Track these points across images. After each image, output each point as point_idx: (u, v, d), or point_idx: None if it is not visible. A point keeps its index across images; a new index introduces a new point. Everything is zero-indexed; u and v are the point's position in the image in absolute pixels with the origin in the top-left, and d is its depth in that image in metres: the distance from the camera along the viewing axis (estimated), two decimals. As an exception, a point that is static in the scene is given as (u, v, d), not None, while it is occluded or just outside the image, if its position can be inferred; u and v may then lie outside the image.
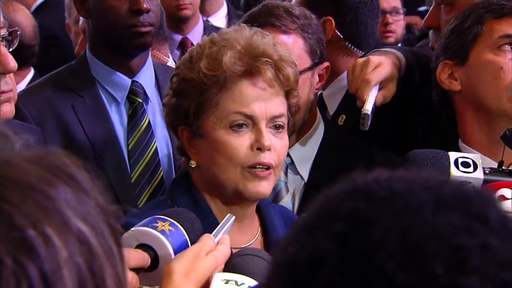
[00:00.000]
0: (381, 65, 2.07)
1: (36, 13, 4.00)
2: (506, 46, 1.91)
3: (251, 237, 1.78)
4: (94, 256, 0.72)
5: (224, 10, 4.28)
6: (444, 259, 0.68)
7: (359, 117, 2.13)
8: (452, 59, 1.96)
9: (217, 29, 3.93)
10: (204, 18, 3.98)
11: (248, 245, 1.75)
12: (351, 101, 2.44)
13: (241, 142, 1.69)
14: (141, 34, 2.22)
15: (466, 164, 1.66)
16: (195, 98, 1.70)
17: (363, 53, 2.51)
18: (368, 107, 1.98)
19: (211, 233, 1.44)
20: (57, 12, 3.85)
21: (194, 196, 1.75)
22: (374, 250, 0.70)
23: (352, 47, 2.50)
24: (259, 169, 1.69)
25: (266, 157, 1.70)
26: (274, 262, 0.79)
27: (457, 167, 1.65)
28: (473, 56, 1.94)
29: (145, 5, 2.21)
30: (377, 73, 2.05)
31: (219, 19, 4.12)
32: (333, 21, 2.49)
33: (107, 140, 2.26)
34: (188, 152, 1.76)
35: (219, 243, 1.43)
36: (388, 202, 0.73)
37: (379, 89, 2.06)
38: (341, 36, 2.47)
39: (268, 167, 1.70)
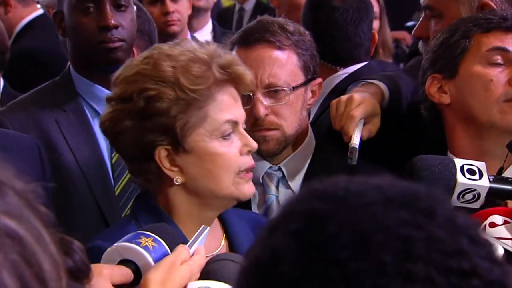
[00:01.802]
0: (364, 102, 2.11)
1: (21, 36, 4.00)
2: (495, 58, 1.92)
3: (219, 242, 1.79)
4: (27, 247, 0.73)
5: (209, 26, 4.33)
6: (391, 249, 0.74)
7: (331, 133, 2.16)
8: (440, 73, 1.98)
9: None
10: (190, 34, 4.01)
11: (219, 250, 1.76)
12: (320, 112, 2.47)
13: (233, 150, 1.71)
14: (111, 50, 2.24)
15: (472, 171, 1.66)
16: (179, 115, 1.67)
17: (338, 67, 2.54)
18: (356, 142, 2.02)
19: None
20: (43, 33, 3.86)
21: (160, 215, 1.74)
22: (328, 242, 0.76)
23: (324, 62, 2.53)
24: (245, 172, 1.73)
25: (251, 160, 1.75)
26: (241, 267, 0.84)
27: (463, 174, 1.65)
28: (462, 70, 1.95)
29: (112, 21, 2.23)
30: (361, 109, 2.09)
31: (204, 35, 4.16)
32: None
33: (91, 154, 2.27)
34: (167, 171, 1.70)
35: (194, 253, 1.45)
36: (342, 200, 0.79)
37: (364, 124, 2.10)
38: None
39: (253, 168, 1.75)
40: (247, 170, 1.73)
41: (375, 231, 0.75)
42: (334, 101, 2.16)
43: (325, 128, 2.32)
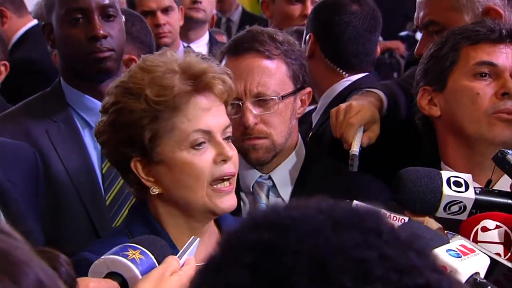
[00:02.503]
0: (363, 109, 2.13)
1: (17, 47, 4.01)
2: (482, 71, 1.93)
3: None
4: None
5: (206, 38, 4.32)
6: (349, 272, 0.74)
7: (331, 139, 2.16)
8: (431, 85, 1.99)
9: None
10: (186, 44, 4.01)
11: None
12: (322, 121, 2.48)
13: (204, 159, 1.71)
14: (100, 60, 2.25)
15: (458, 184, 1.67)
16: (147, 127, 1.70)
17: (344, 72, 2.55)
18: (355, 149, 2.04)
19: None
20: (39, 43, 3.87)
21: (152, 225, 1.75)
22: (286, 273, 0.74)
23: (332, 64, 2.54)
24: (221, 185, 1.71)
25: (229, 167, 1.73)
26: None
27: (450, 186, 1.66)
28: (451, 83, 1.96)
29: (101, 31, 2.24)
30: (360, 116, 2.11)
31: (200, 46, 4.15)
32: (312, 37, 2.55)
33: (81, 164, 2.27)
34: (145, 182, 1.74)
35: (184, 264, 1.45)
36: (290, 228, 0.78)
37: (364, 131, 2.11)
38: (321, 53, 2.52)
39: (230, 177, 1.73)
40: (223, 179, 1.72)
41: (331, 256, 0.75)
42: (333, 110, 2.18)
43: (328, 136, 2.33)
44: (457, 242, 1.46)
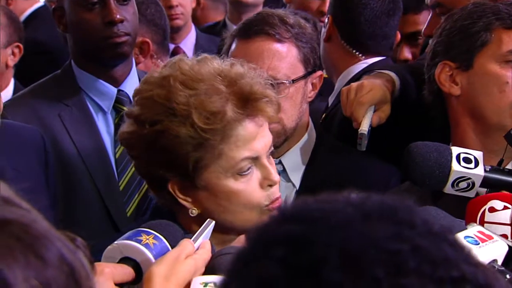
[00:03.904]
0: (374, 89, 2.10)
1: (25, 27, 4.01)
2: None
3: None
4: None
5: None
6: (382, 264, 0.73)
7: (343, 123, 2.14)
8: (454, 61, 1.91)
9: (210, 39, 3.94)
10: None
11: None
12: (335, 103, 2.47)
13: (252, 186, 1.62)
14: (117, 45, 2.24)
15: (467, 160, 1.65)
16: (192, 153, 1.57)
17: (360, 54, 2.54)
18: (365, 128, 2.01)
19: None
20: (45, 25, 3.87)
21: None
22: (318, 266, 0.74)
23: (349, 46, 2.53)
24: (273, 204, 1.64)
25: (276, 191, 1.65)
26: None
27: (459, 162, 1.64)
28: (478, 64, 1.89)
29: (118, 16, 2.22)
30: (371, 96, 2.09)
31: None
32: (331, 19, 2.54)
33: (95, 149, 2.27)
34: (182, 202, 1.63)
35: (199, 247, 1.44)
36: (320, 221, 0.77)
37: (374, 111, 2.09)
38: (339, 34, 2.52)
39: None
40: (272, 203, 1.63)
41: (363, 248, 0.74)
42: (344, 88, 2.16)
43: (338, 117, 2.33)
44: (475, 228, 1.44)
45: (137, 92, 1.65)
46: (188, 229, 1.63)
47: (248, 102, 1.59)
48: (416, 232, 0.76)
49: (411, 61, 2.90)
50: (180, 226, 1.60)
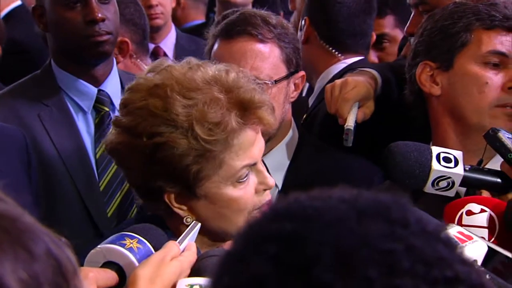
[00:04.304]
0: (359, 85, 2.12)
1: None
2: (493, 60, 1.88)
3: None
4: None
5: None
6: (376, 264, 0.72)
7: (325, 123, 2.14)
8: (435, 61, 1.92)
9: (190, 38, 3.93)
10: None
11: None
12: (316, 104, 2.48)
13: (249, 192, 1.61)
14: (99, 44, 2.22)
15: (447, 159, 1.66)
16: (193, 165, 1.54)
17: (340, 54, 2.55)
18: (351, 123, 2.02)
19: None
20: (23, 24, 3.84)
21: None
22: (310, 264, 0.73)
23: (328, 46, 2.53)
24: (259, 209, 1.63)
25: (268, 195, 1.65)
26: None
27: (439, 161, 1.65)
28: (458, 64, 1.90)
29: (99, 15, 2.21)
30: (355, 92, 2.10)
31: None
32: (308, 21, 2.54)
33: (75, 149, 2.26)
34: (177, 211, 1.60)
35: (185, 249, 1.43)
36: (312, 218, 0.76)
37: (359, 108, 2.10)
38: (317, 35, 2.52)
39: None
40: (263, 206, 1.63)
41: (356, 247, 0.73)
42: (328, 86, 2.17)
43: (321, 116, 2.33)
44: (454, 229, 1.45)
45: (127, 101, 1.59)
46: (178, 233, 1.58)
47: (247, 110, 1.57)
48: (409, 231, 0.75)
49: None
50: (169, 230, 1.60)
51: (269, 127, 1.63)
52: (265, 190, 1.63)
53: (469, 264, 0.77)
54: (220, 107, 1.54)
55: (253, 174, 1.62)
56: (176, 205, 1.60)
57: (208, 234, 1.62)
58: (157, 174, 1.55)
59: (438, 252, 0.75)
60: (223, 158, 1.56)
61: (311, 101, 2.59)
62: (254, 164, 1.61)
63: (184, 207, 1.60)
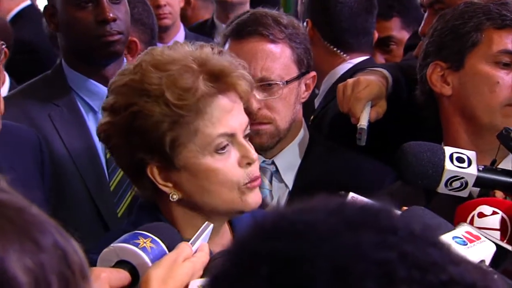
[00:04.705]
0: (371, 84, 2.11)
1: (12, 25, 4.00)
2: (505, 59, 1.88)
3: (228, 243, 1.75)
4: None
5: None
6: (372, 276, 0.71)
7: (333, 121, 2.14)
8: (445, 62, 1.92)
9: (199, 38, 3.93)
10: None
11: None
12: (323, 105, 2.48)
13: (230, 164, 1.61)
14: (110, 43, 2.23)
15: (461, 159, 1.65)
16: (168, 132, 1.58)
17: (344, 54, 2.55)
18: (364, 122, 2.02)
19: None
20: (32, 24, 3.85)
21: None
22: (306, 283, 0.71)
23: (332, 47, 2.53)
24: (250, 184, 1.63)
25: (255, 169, 1.64)
26: None
27: (452, 161, 1.64)
28: (469, 65, 1.89)
29: (111, 15, 2.21)
30: (368, 91, 2.10)
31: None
32: (310, 23, 2.54)
33: (85, 149, 2.26)
34: (162, 188, 1.63)
35: (197, 250, 1.43)
36: (303, 235, 0.75)
37: (371, 107, 2.10)
38: (320, 36, 2.51)
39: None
40: (251, 181, 1.63)
41: (351, 260, 0.72)
42: (340, 85, 2.16)
43: (329, 116, 2.32)
44: (463, 228, 1.44)
45: (111, 84, 1.67)
46: (170, 217, 1.64)
47: (219, 78, 1.60)
48: (399, 237, 0.75)
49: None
50: (163, 217, 1.63)
51: (244, 95, 1.64)
52: (249, 164, 1.62)
53: (459, 263, 0.76)
54: (191, 74, 1.57)
55: (235, 148, 1.62)
56: (160, 181, 1.62)
57: (195, 210, 1.64)
58: (136, 145, 1.60)
59: (430, 256, 0.74)
60: (197, 125, 1.58)
61: (317, 102, 2.58)
62: (233, 135, 1.61)
63: (169, 184, 1.62)
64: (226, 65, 1.61)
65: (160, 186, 1.63)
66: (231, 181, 1.61)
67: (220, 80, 1.60)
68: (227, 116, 1.61)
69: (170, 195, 1.63)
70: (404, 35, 2.97)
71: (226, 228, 1.73)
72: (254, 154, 1.63)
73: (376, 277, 0.71)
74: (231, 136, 1.62)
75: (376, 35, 2.75)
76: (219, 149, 1.60)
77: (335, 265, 0.72)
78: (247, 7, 4.18)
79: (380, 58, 2.97)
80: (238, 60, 1.69)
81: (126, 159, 1.65)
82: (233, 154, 1.62)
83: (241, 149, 1.63)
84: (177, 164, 1.60)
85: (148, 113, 1.57)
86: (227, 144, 1.61)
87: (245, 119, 1.66)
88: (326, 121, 2.40)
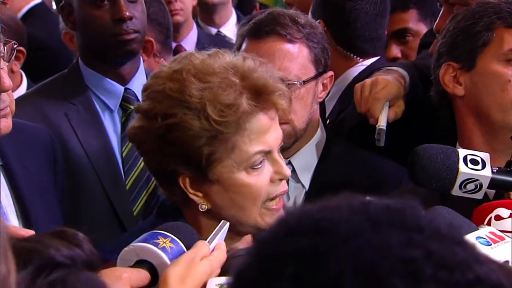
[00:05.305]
0: (389, 84, 2.11)
1: (23, 23, 4.00)
2: None
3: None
4: None
5: (234, 18, 4.21)
6: (399, 274, 0.71)
7: (352, 124, 2.13)
8: (457, 62, 1.92)
9: (212, 37, 3.94)
10: (215, 30, 3.92)
11: None
12: (341, 108, 2.47)
13: (263, 179, 1.62)
14: (127, 42, 2.23)
15: (474, 162, 1.65)
16: (205, 147, 1.57)
17: (358, 57, 2.54)
18: (383, 123, 2.02)
19: None
20: (43, 22, 3.86)
21: None
22: (333, 281, 0.71)
23: (344, 50, 2.52)
24: (273, 203, 1.64)
25: (284, 186, 1.65)
26: None
27: (466, 164, 1.64)
28: (480, 64, 1.90)
29: (127, 13, 2.22)
30: (386, 91, 2.09)
31: (230, 28, 4.05)
32: (322, 24, 2.53)
33: (101, 148, 2.27)
34: (192, 197, 1.62)
35: (214, 249, 1.44)
36: (329, 233, 0.74)
37: (389, 107, 2.10)
38: (332, 39, 2.50)
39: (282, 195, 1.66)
40: (277, 197, 1.64)
41: (378, 259, 0.71)
42: (358, 85, 2.16)
43: (348, 122, 2.31)
44: (486, 229, 1.45)
45: (147, 87, 1.65)
46: (195, 225, 1.63)
47: (261, 95, 1.59)
48: (425, 235, 0.74)
49: (401, 59, 2.91)
50: (187, 222, 1.61)
51: (283, 114, 1.64)
52: (281, 180, 1.63)
53: (485, 262, 0.76)
54: (234, 90, 1.56)
55: (269, 163, 1.62)
56: (191, 190, 1.62)
57: (214, 221, 1.60)
58: (171, 155, 1.59)
59: (457, 255, 0.74)
60: (236, 141, 1.58)
61: (327, 103, 2.57)
62: (269, 152, 1.61)
63: (200, 194, 1.62)
64: (269, 82, 1.60)
65: (191, 195, 1.63)
66: (261, 196, 1.62)
67: (262, 98, 1.59)
68: (266, 133, 1.61)
69: (200, 204, 1.63)
70: (421, 27, 2.95)
71: (248, 237, 1.73)
72: (287, 170, 1.64)
73: (402, 276, 0.71)
74: (268, 153, 1.62)
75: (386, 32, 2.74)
76: (255, 166, 1.61)
77: (361, 264, 0.71)
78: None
79: (395, 50, 2.96)
80: (278, 73, 1.68)
81: (157, 165, 1.65)
82: (267, 170, 1.62)
83: (275, 164, 1.63)
84: (210, 177, 1.60)
85: (187, 126, 1.56)
86: (262, 160, 1.62)
87: (280, 133, 1.65)
88: (345, 127, 2.38)
